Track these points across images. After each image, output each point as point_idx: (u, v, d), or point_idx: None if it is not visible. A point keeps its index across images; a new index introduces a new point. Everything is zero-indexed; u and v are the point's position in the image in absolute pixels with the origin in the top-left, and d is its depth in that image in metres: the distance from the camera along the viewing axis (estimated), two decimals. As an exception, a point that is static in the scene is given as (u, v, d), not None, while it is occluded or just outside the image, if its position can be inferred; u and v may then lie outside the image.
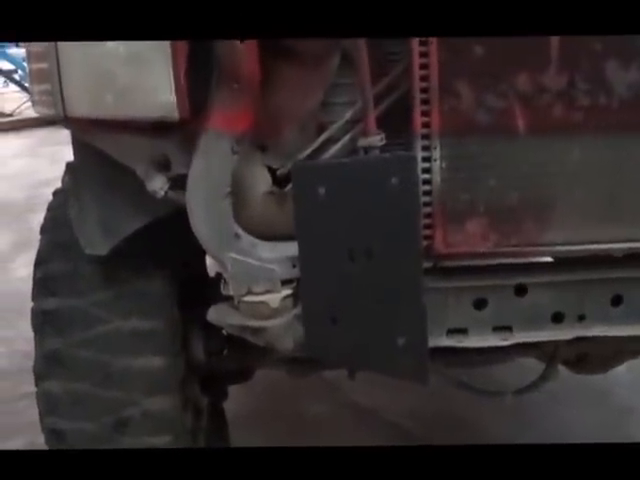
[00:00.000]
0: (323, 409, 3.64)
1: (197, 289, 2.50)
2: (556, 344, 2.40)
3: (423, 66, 1.92)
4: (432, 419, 3.49)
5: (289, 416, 3.61)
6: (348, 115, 1.99)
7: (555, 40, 1.91)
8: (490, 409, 3.41)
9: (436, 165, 1.96)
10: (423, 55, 1.91)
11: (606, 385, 3.70)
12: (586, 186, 1.99)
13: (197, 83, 1.91)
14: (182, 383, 2.44)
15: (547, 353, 2.52)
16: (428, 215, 1.98)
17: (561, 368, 2.67)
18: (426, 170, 1.96)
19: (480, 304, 2.12)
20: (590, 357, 2.74)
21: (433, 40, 1.90)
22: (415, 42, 1.90)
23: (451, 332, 2.13)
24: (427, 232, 1.98)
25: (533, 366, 2.62)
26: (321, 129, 2.02)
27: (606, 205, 2.01)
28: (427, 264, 2.02)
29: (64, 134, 2.14)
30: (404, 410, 3.60)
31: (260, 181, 2.05)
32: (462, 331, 2.13)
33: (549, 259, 2.21)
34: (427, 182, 1.96)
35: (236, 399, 3.00)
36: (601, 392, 3.72)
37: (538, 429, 3.50)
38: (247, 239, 2.01)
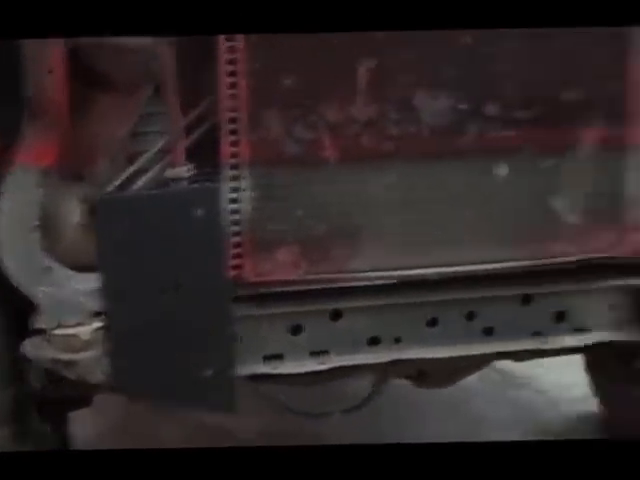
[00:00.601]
0: (175, 430, 3.61)
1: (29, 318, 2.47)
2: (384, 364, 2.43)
3: (232, 97, 1.94)
4: (286, 436, 3.49)
5: (140, 437, 3.59)
6: (159, 145, 2.00)
7: (362, 71, 1.96)
8: (345, 424, 3.43)
9: (245, 195, 1.98)
10: (232, 86, 1.93)
11: (464, 396, 3.76)
12: (393, 214, 2.04)
13: (6, 118, 1.90)
14: (17, 414, 2.41)
15: (377, 372, 2.55)
16: (238, 244, 2.00)
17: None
18: (235, 200, 1.98)
19: (296, 330, 2.15)
20: (432, 372, 2.78)
21: (242, 70, 1.92)
22: (224, 72, 1.92)
23: (267, 358, 2.15)
24: (237, 261, 2.00)
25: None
26: (132, 159, 2.02)
27: (414, 231, 2.06)
28: (241, 292, 2.04)
29: None
30: (257, 429, 3.60)
31: (72, 213, 2.04)
32: (278, 357, 2.16)
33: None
34: (236, 212, 1.98)
35: (85, 422, 2.97)
36: (455, 403, 3.78)
37: (395, 441, 3.52)
38: (60, 272, 2.00)
